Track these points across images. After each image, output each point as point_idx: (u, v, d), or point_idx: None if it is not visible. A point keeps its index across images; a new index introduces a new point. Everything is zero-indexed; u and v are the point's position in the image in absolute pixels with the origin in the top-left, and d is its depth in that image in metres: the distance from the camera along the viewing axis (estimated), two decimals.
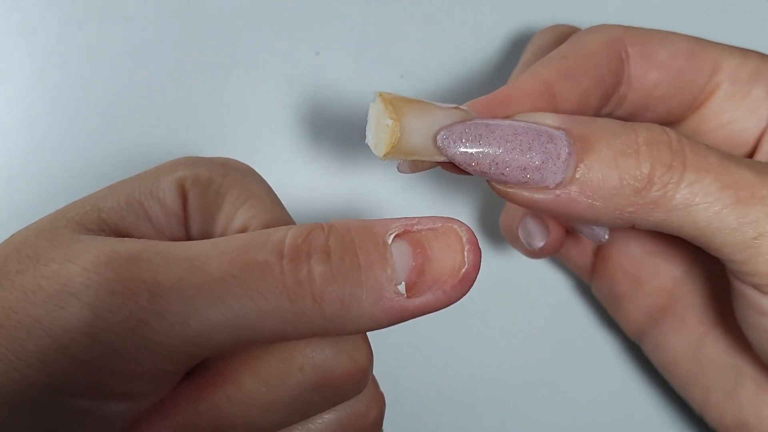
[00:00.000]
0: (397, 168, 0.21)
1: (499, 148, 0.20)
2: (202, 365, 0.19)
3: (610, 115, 0.25)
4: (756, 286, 0.22)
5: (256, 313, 0.17)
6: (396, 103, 0.19)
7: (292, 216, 0.22)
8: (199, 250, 0.18)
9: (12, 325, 0.17)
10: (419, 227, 0.18)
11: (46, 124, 0.29)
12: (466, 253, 0.18)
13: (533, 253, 0.27)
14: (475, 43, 0.31)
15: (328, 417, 0.20)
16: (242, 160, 0.30)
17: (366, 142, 0.20)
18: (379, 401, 0.21)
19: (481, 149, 0.20)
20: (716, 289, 0.26)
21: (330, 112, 0.31)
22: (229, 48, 0.30)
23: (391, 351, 0.30)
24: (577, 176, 0.20)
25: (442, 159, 0.20)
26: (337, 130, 0.31)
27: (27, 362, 0.17)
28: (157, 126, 0.30)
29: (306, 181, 0.30)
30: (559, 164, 0.20)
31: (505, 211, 0.28)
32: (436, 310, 0.18)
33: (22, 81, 0.29)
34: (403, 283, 0.18)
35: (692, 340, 0.27)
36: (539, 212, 0.26)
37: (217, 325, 0.17)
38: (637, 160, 0.20)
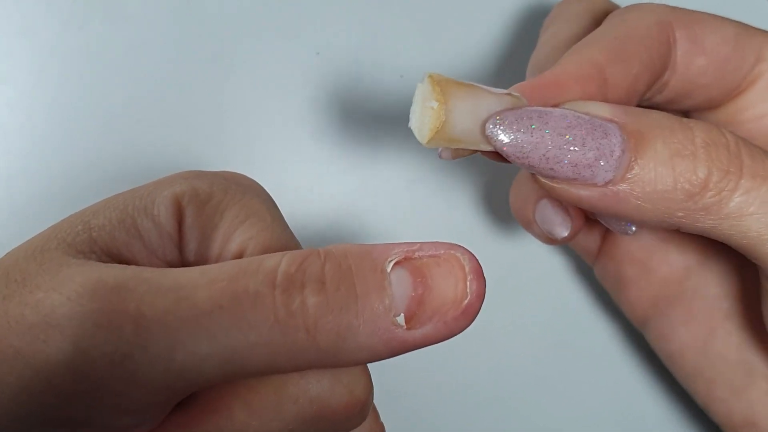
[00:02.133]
0: (439, 155, 0.20)
1: (551, 142, 0.19)
2: (193, 395, 0.18)
3: (649, 101, 0.24)
4: None
5: (246, 345, 0.16)
6: (444, 85, 0.18)
7: (292, 214, 0.21)
8: (188, 278, 0.17)
9: None
10: (420, 254, 0.17)
11: (46, 124, 0.29)
12: (468, 282, 0.17)
13: (553, 241, 0.25)
14: (475, 43, 0.31)
15: None
16: (241, 160, 0.30)
17: (409, 125, 0.19)
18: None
19: (532, 141, 0.19)
20: (732, 284, 0.26)
21: (330, 112, 0.31)
22: (228, 48, 0.30)
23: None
24: (629, 175, 0.19)
25: (488, 148, 0.19)
26: (337, 130, 0.31)
27: (9, 394, 0.16)
28: (156, 126, 0.30)
29: (306, 181, 0.30)
30: (612, 161, 0.19)
31: (514, 192, 0.26)
32: (438, 342, 0.17)
33: (22, 81, 0.29)
34: (402, 314, 0.17)
35: (701, 333, 0.26)
36: (580, 207, 0.24)
37: (204, 358, 0.16)
38: (694, 163, 0.19)
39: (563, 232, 0.24)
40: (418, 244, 0.18)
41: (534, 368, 0.32)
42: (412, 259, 0.17)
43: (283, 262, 0.17)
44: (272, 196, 0.22)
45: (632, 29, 0.22)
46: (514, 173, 0.27)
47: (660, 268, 0.27)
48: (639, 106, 0.21)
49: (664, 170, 0.19)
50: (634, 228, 0.23)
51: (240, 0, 0.30)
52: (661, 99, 0.24)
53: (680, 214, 0.19)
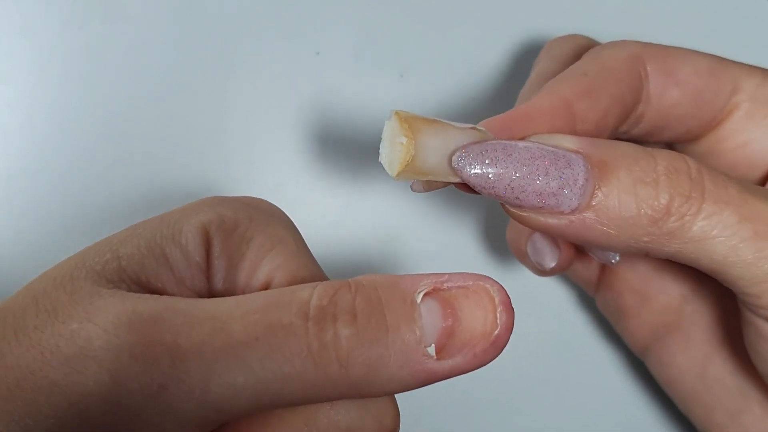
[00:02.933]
0: (411, 187, 0.21)
1: (515, 172, 0.19)
2: (224, 426, 0.18)
3: (626, 134, 0.25)
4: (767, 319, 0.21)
5: (280, 377, 0.17)
6: (412, 122, 0.19)
7: (292, 213, 0.21)
8: (222, 310, 0.17)
9: (29, 387, 0.16)
10: (449, 284, 0.18)
11: (46, 124, 0.29)
12: (498, 314, 0.18)
13: (543, 272, 0.27)
14: (475, 43, 0.31)
15: None
16: (241, 159, 0.30)
17: (379, 160, 0.20)
18: None
19: (496, 172, 0.19)
20: (725, 310, 0.26)
21: (330, 113, 0.31)
22: (229, 48, 0.30)
23: None
24: (594, 203, 0.19)
25: (456, 180, 0.20)
26: (336, 130, 0.31)
27: (44, 427, 0.16)
28: (156, 126, 0.30)
29: (305, 181, 0.30)
30: (576, 190, 0.19)
31: (511, 225, 0.27)
32: (467, 372, 0.18)
33: (22, 81, 0.29)
34: (432, 345, 0.17)
35: (698, 359, 0.26)
36: (551, 236, 0.25)
37: (239, 390, 0.16)
38: (656, 190, 0.20)
39: (551, 263, 0.26)
40: (447, 275, 0.18)
41: (536, 385, 0.32)
42: (441, 290, 0.18)
43: (315, 294, 0.17)
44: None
45: (603, 64, 0.23)
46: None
47: (658, 297, 0.27)
48: (617, 139, 0.21)
49: (627, 197, 0.19)
50: (618, 257, 0.25)
51: (240, 0, 0.30)
52: (638, 132, 0.24)
53: (646, 239, 0.20)
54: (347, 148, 0.31)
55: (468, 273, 0.18)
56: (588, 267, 0.29)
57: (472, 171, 0.19)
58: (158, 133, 0.30)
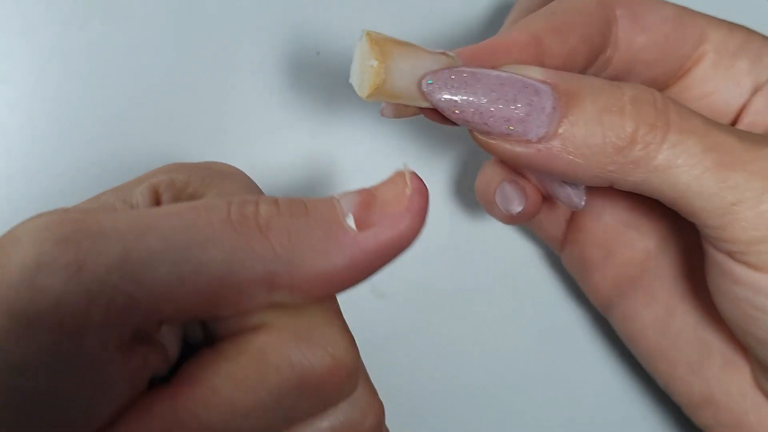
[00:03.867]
0: (381, 112, 0.21)
1: (483, 98, 0.20)
2: (175, 374, 0.18)
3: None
4: (731, 254, 0.21)
5: (198, 243, 0.17)
6: (383, 44, 0.19)
7: None
8: (145, 210, 0.18)
9: None
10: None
11: (46, 124, 0.29)
12: (409, 181, 0.18)
13: (510, 219, 0.27)
14: (474, 43, 0.31)
15: (320, 425, 0.19)
16: (241, 159, 0.30)
17: (350, 81, 0.20)
18: (375, 409, 0.20)
19: (465, 97, 0.20)
20: (688, 264, 0.26)
21: (330, 113, 0.31)
22: (228, 48, 0.30)
23: (389, 351, 0.30)
24: (560, 131, 0.20)
25: (425, 105, 0.20)
26: (336, 130, 0.31)
27: None
28: (156, 126, 0.30)
29: (305, 181, 0.30)
30: (543, 118, 0.20)
31: (480, 176, 0.27)
32: (395, 249, 0.18)
33: (22, 81, 0.29)
34: (351, 216, 0.18)
35: (661, 313, 0.26)
36: (519, 167, 0.26)
37: (156, 254, 0.16)
38: (622, 118, 0.20)
39: (518, 208, 0.26)
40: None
41: (527, 369, 0.32)
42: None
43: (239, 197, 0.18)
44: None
45: (573, 6, 0.23)
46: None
47: (622, 251, 0.27)
48: None
49: (593, 126, 0.20)
50: (583, 203, 0.25)
51: (240, 0, 0.30)
52: (606, 75, 0.24)
53: (611, 168, 0.20)
54: (347, 148, 0.31)
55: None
56: (555, 222, 0.29)
57: (441, 95, 0.20)
58: (158, 133, 0.30)
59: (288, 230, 0.17)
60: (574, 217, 0.29)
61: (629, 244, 0.27)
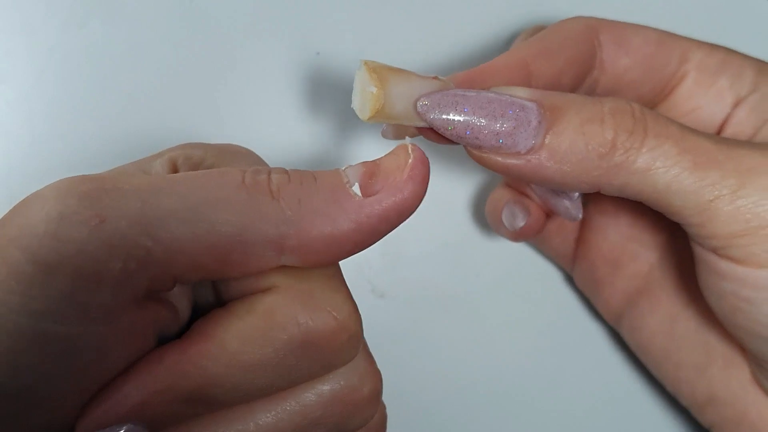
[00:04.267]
0: (382, 134, 0.23)
1: (473, 114, 0.21)
2: (188, 331, 0.19)
3: None
4: (714, 250, 0.23)
5: (212, 202, 0.18)
6: (380, 72, 0.21)
7: None
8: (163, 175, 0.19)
9: None
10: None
11: (46, 124, 0.29)
12: (410, 152, 0.20)
13: (515, 235, 0.29)
14: (474, 44, 0.32)
15: (321, 388, 0.20)
16: None
17: (351, 105, 0.22)
18: (374, 376, 0.21)
19: (457, 115, 0.21)
20: (688, 274, 0.28)
21: (330, 113, 0.31)
22: (228, 48, 0.30)
23: (389, 351, 0.31)
24: (547, 142, 0.21)
25: (421, 124, 0.22)
26: (336, 130, 0.31)
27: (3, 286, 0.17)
28: (157, 126, 0.30)
29: None
30: (530, 130, 0.21)
31: (489, 200, 0.30)
32: (398, 214, 0.19)
33: (22, 81, 0.29)
34: (357, 184, 0.19)
35: (666, 320, 0.28)
36: (512, 178, 0.28)
37: (171, 212, 0.18)
38: (602, 127, 0.21)
39: (521, 222, 0.28)
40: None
41: (530, 369, 0.32)
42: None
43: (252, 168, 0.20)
44: None
45: (560, 32, 0.25)
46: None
47: (629, 265, 0.29)
48: None
49: (576, 135, 0.22)
50: (580, 214, 0.27)
51: (240, 0, 0.30)
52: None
53: (596, 173, 0.22)
54: (347, 148, 0.31)
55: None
56: (564, 241, 0.31)
57: (435, 115, 0.21)
58: (158, 133, 0.30)
59: (298, 196, 0.19)
60: (582, 236, 0.30)
61: (635, 258, 0.29)
